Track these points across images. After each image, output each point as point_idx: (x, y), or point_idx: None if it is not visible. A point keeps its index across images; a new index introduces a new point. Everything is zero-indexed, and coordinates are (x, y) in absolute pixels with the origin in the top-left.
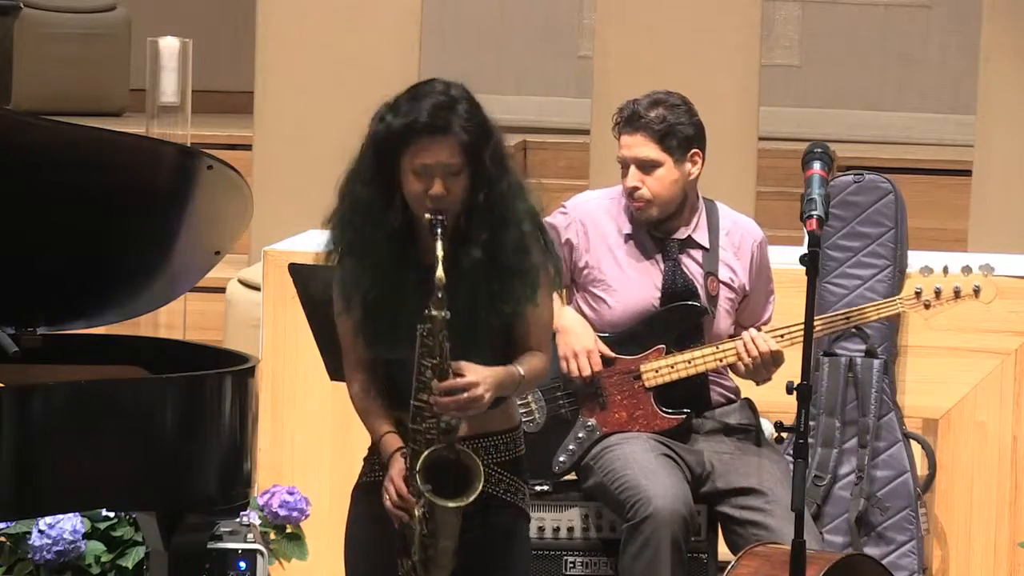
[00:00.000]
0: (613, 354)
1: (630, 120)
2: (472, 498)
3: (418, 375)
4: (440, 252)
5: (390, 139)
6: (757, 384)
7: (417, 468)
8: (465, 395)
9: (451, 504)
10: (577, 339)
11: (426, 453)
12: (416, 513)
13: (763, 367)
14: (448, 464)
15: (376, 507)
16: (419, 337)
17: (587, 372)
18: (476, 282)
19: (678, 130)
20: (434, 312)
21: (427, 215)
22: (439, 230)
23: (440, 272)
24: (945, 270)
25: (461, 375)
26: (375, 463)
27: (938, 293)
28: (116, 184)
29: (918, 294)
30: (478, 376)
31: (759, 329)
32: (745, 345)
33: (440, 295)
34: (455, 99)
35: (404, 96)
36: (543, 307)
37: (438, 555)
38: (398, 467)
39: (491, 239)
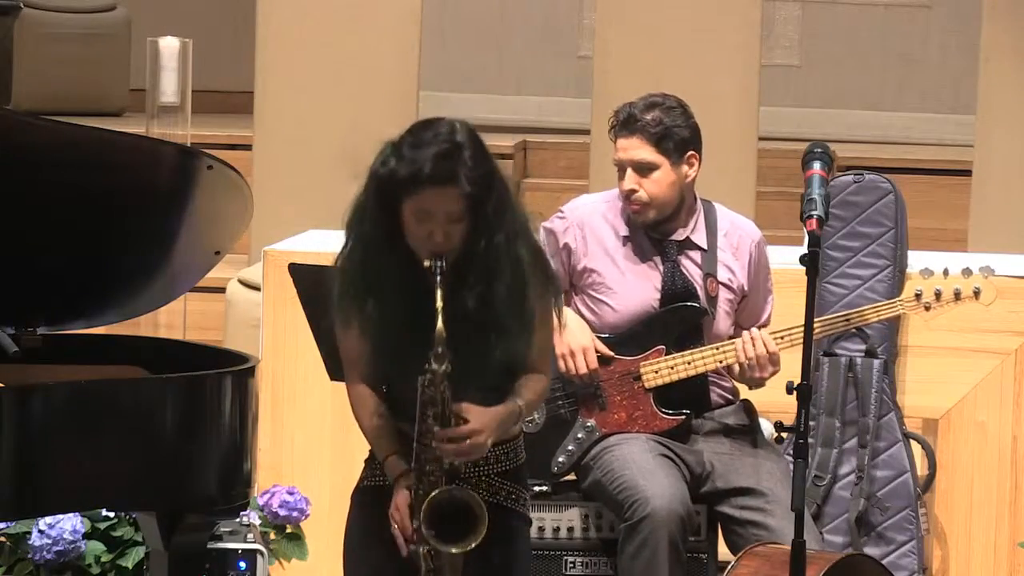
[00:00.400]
0: (611, 353)
1: (626, 123)
2: (477, 541)
3: (420, 421)
4: (440, 302)
5: (393, 185)
6: (750, 388)
7: (421, 513)
8: (468, 443)
9: (455, 549)
10: (574, 338)
11: (429, 498)
12: (421, 551)
13: (759, 367)
14: (451, 502)
15: (376, 510)
16: (420, 387)
17: (584, 370)
18: (475, 320)
19: (674, 132)
20: (435, 366)
21: (427, 261)
22: (439, 277)
23: (440, 326)
24: (945, 272)
25: (464, 419)
26: (376, 467)
27: (938, 295)
28: (116, 184)
29: (918, 296)
30: (480, 423)
31: (758, 330)
32: (744, 344)
33: (440, 350)
34: (460, 145)
35: (408, 140)
36: (544, 330)
37: None
38: (403, 497)
39: (490, 283)
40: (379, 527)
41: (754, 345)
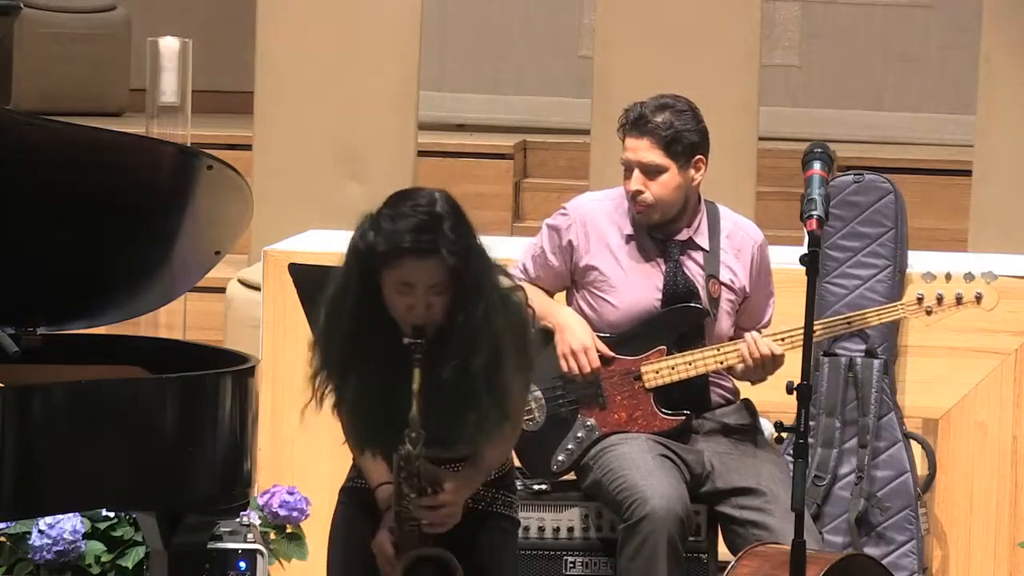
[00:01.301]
0: (612, 353)
1: (636, 123)
2: None
3: (397, 486)
4: (416, 385)
5: (372, 258)
6: (752, 384)
7: (399, 573)
8: (442, 512)
9: None
10: (575, 337)
11: (406, 558)
12: None
13: (763, 368)
14: (428, 562)
15: (357, 512)
16: (395, 462)
17: (586, 369)
18: (451, 392)
19: (684, 136)
20: (409, 447)
21: (406, 340)
22: (417, 356)
23: (415, 411)
24: (948, 276)
25: (439, 488)
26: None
27: (940, 299)
28: (116, 184)
29: (920, 300)
30: (455, 495)
31: (760, 332)
32: (748, 347)
33: (415, 434)
34: (439, 217)
35: (386, 212)
36: (517, 385)
37: None
38: (386, 537)
39: (467, 358)
40: (360, 530)
41: (758, 347)
